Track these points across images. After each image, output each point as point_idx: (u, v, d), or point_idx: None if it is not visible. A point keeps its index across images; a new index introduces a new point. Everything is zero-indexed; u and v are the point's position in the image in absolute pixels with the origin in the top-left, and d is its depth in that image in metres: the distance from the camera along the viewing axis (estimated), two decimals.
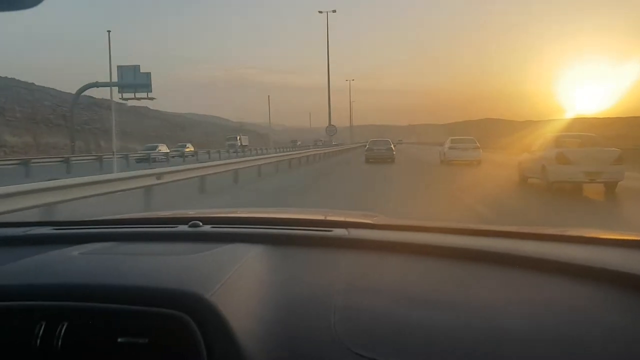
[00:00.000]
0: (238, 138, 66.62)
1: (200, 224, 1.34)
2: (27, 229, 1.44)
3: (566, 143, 11.79)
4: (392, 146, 27.28)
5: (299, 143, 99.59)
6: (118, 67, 34.86)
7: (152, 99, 38.48)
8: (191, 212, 1.78)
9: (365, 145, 29.55)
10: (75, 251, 1.09)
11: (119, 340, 0.75)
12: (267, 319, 0.82)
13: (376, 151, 26.67)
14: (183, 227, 1.34)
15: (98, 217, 1.71)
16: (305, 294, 0.93)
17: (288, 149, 56.63)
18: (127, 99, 38.93)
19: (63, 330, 0.75)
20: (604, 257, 1.08)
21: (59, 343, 0.74)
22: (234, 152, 47.05)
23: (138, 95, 38.17)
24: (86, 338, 0.76)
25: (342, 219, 1.56)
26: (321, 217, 1.69)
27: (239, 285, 0.90)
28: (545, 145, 11.75)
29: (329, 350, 0.76)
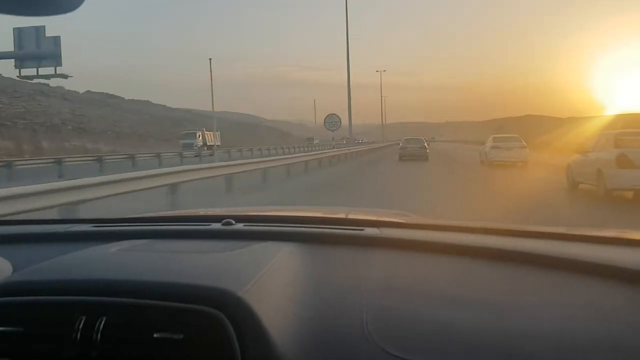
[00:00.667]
0: (198, 135, 46.80)
1: (233, 222, 1.36)
2: (68, 225, 1.51)
3: (629, 142, 9.63)
4: (425, 144, 28.14)
5: (316, 141, 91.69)
6: (14, 30, 19.80)
7: (64, 76, 22.00)
8: (223, 210, 1.78)
9: (399, 144, 30.61)
10: (113, 248, 1.12)
11: (155, 335, 0.77)
12: (299, 317, 0.83)
13: (410, 149, 27.43)
14: (216, 225, 1.37)
15: (135, 215, 1.74)
16: (336, 292, 0.94)
17: (295, 149, 51.64)
18: (28, 77, 22.23)
19: (102, 325, 0.78)
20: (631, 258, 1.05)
21: (98, 337, 0.77)
22: (195, 156, 36.95)
23: (43, 71, 21.01)
24: (124, 332, 0.79)
25: (373, 218, 1.57)
26: (353, 216, 1.71)
27: (272, 283, 0.91)
28: (602, 145, 9.97)
29: (361, 350, 0.77)
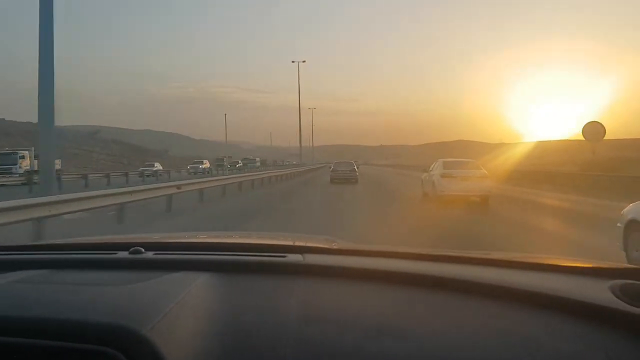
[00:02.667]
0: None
1: (143, 250, 1.30)
2: None
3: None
4: (355, 168, 29.60)
5: (239, 164, 77.67)
6: None
7: None
8: (132, 237, 1.72)
9: (330, 167, 32.63)
10: (3, 279, 1.06)
11: None
12: (213, 356, 0.80)
13: (340, 172, 28.95)
14: (123, 254, 1.30)
15: (29, 243, 1.63)
16: (256, 326, 0.90)
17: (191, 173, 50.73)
18: None
19: None
20: (559, 285, 1.09)
21: None
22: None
23: None
24: None
25: (296, 243, 1.54)
26: (274, 242, 1.67)
27: (182, 318, 0.87)
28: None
29: None
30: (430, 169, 16.91)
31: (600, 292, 0.99)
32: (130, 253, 1.29)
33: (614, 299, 0.95)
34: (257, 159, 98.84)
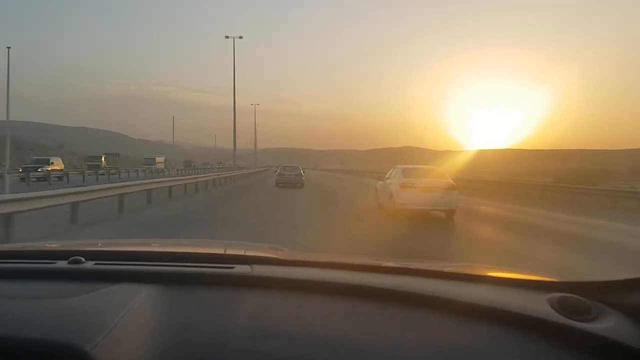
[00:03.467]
0: None
1: (83, 259, 1.25)
2: None
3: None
4: (301, 172, 29.87)
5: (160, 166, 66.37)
6: None
7: None
8: (72, 244, 1.70)
9: (276, 170, 32.36)
10: None
11: None
12: None
13: (287, 176, 28.82)
14: (62, 264, 1.24)
15: None
16: (202, 340, 0.89)
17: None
18: None
19: None
20: (500, 297, 1.10)
21: None
22: None
23: None
24: None
25: (244, 253, 1.52)
26: (221, 251, 1.62)
27: (127, 333, 0.85)
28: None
29: None
30: (387, 176, 14.55)
31: (539, 305, 1.01)
32: (69, 263, 1.23)
33: (552, 312, 0.97)
34: (161, 157, 74.80)
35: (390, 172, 14.70)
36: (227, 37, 46.86)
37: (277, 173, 30.68)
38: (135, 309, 0.95)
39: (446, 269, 1.37)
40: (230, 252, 1.60)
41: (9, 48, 30.98)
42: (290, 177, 28.67)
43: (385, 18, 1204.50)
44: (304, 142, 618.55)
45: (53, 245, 1.75)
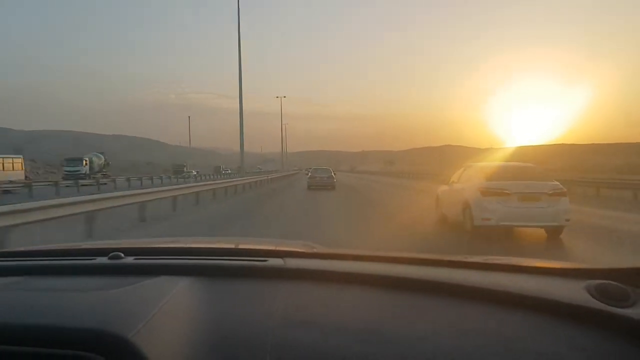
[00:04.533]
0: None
1: (122, 255, 1.31)
2: None
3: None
4: (332, 174, 30.90)
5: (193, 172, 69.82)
6: None
7: None
8: (111, 243, 1.74)
9: (307, 173, 34.54)
10: None
11: None
12: None
13: (318, 179, 29.82)
14: (102, 259, 1.30)
15: (7, 249, 1.74)
16: (238, 330, 0.92)
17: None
18: None
19: None
20: (537, 286, 1.11)
21: None
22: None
23: None
24: None
25: (277, 248, 1.56)
26: (255, 246, 1.67)
27: (165, 323, 0.89)
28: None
29: None
30: (455, 179, 10.70)
31: (577, 293, 1.02)
32: (109, 258, 1.30)
33: (590, 298, 0.98)
34: (192, 170, 76.75)
35: (460, 172, 10.74)
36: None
37: (308, 176, 32.11)
38: (173, 299, 1.00)
39: (479, 260, 1.38)
40: (263, 247, 1.63)
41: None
42: (321, 179, 29.66)
43: (421, 17, 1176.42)
44: (338, 144, 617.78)
45: (94, 243, 1.90)
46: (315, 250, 1.53)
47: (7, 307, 0.94)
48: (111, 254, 1.31)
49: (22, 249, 1.66)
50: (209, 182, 23.54)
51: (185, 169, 75.04)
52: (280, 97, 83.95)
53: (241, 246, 1.73)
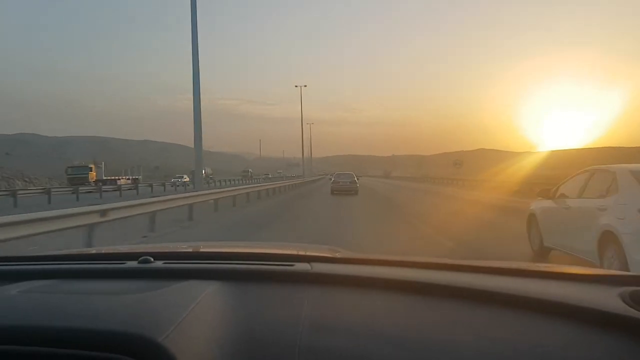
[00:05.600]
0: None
1: (152, 259, 1.34)
2: None
3: None
4: (355, 179, 31.11)
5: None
6: None
7: None
8: (140, 247, 1.81)
9: (331, 178, 34.52)
10: (13, 289, 1.09)
11: None
12: None
13: (341, 184, 30.39)
14: (132, 263, 1.34)
15: (39, 253, 1.70)
16: (267, 334, 0.94)
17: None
18: None
19: None
20: (568, 293, 1.12)
21: None
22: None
23: None
24: None
25: (304, 252, 1.59)
26: (282, 251, 1.73)
27: (195, 326, 0.90)
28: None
29: None
30: (569, 190, 7.20)
31: (611, 300, 1.02)
32: (139, 262, 1.33)
33: (625, 306, 0.98)
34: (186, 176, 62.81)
35: (581, 179, 7.02)
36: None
37: (331, 181, 32.77)
38: (202, 303, 1.01)
39: (509, 266, 1.37)
40: (291, 252, 1.67)
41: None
42: (345, 184, 30.40)
43: (453, 18, 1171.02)
44: (367, 149, 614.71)
45: (124, 248, 1.93)
46: (341, 255, 1.55)
47: (39, 310, 0.96)
48: (141, 258, 1.34)
49: (54, 253, 1.69)
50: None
51: (250, 173, 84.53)
52: (300, 87, 74.11)
53: (268, 251, 1.77)
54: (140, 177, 61.13)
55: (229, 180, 64.24)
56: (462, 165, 61.67)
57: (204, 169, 69.09)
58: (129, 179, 53.99)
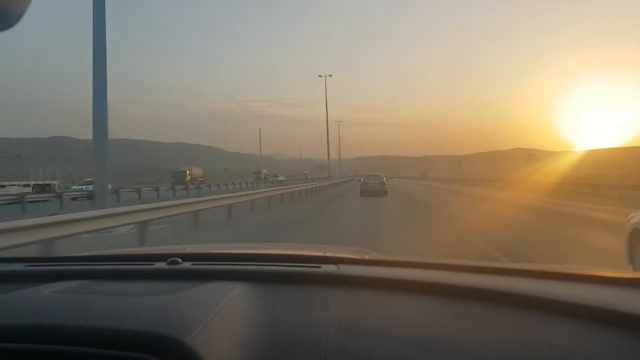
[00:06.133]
0: None
1: (180, 260, 1.38)
2: None
3: None
4: (384, 180, 31.48)
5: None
6: None
7: None
8: (170, 248, 1.89)
9: (360, 180, 34.93)
10: (47, 290, 1.12)
11: None
12: None
13: (370, 185, 30.78)
14: (161, 264, 1.37)
15: (71, 254, 1.75)
16: (293, 335, 0.95)
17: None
18: None
19: None
20: (595, 295, 1.11)
21: None
22: None
23: None
24: None
25: (331, 254, 1.59)
26: (309, 253, 1.73)
27: (222, 327, 0.92)
28: None
29: None
30: None
31: (637, 302, 1.03)
32: (168, 264, 1.36)
33: None
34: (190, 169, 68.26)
35: None
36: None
37: (360, 182, 33.20)
38: (229, 304, 1.02)
39: (535, 268, 1.37)
40: (317, 253, 1.67)
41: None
42: (374, 185, 30.82)
43: (485, 16, 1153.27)
44: (399, 150, 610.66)
45: (153, 249, 2.00)
46: (368, 257, 1.56)
47: (70, 310, 0.99)
48: (169, 259, 1.37)
49: (85, 254, 1.74)
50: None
51: (263, 175, 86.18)
52: (325, 77, 66.51)
53: (295, 252, 1.79)
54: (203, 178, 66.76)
55: (240, 183, 61.66)
56: (537, 160, 58.30)
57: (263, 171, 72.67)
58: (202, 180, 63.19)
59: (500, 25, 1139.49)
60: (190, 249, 1.87)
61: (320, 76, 67.40)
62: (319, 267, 1.33)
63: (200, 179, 63.43)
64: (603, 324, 0.96)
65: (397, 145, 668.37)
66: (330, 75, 67.20)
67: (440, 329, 0.99)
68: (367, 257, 1.57)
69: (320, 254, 1.65)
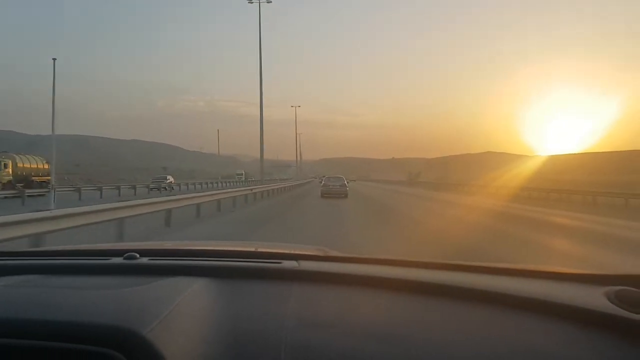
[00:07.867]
0: None
1: (137, 255, 1.40)
2: None
3: None
4: (345, 182, 32.30)
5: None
6: None
7: None
8: (127, 245, 1.86)
9: (321, 181, 35.88)
10: (1, 283, 1.14)
11: None
12: (210, 359, 0.86)
13: (331, 187, 31.40)
14: (117, 259, 1.40)
15: (28, 249, 1.89)
16: (252, 330, 0.97)
17: None
18: None
19: None
20: (555, 292, 1.18)
21: None
22: None
23: None
24: None
25: (291, 251, 1.65)
26: (269, 249, 1.79)
27: (180, 321, 0.94)
28: None
29: None
30: None
31: (596, 299, 1.07)
32: (124, 259, 1.38)
33: (610, 304, 1.03)
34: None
35: None
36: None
37: (321, 184, 34.14)
38: (188, 299, 1.03)
39: (496, 266, 1.44)
40: (278, 250, 1.71)
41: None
42: (334, 187, 31.43)
43: (453, 20, 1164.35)
44: (366, 152, 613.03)
45: (110, 245, 2.08)
46: (328, 254, 1.60)
47: (25, 304, 0.99)
48: (126, 255, 1.39)
49: (39, 249, 1.78)
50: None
51: (243, 175, 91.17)
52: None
53: (255, 249, 1.81)
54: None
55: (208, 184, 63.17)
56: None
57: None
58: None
59: (468, 29, 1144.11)
60: (148, 245, 1.86)
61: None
62: (279, 262, 1.37)
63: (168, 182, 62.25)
64: (563, 319, 1.01)
65: (365, 148, 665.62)
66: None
67: (399, 324, 1.02)
68: (327, 253, 1.61)
69: (281, 250, 1.68)
